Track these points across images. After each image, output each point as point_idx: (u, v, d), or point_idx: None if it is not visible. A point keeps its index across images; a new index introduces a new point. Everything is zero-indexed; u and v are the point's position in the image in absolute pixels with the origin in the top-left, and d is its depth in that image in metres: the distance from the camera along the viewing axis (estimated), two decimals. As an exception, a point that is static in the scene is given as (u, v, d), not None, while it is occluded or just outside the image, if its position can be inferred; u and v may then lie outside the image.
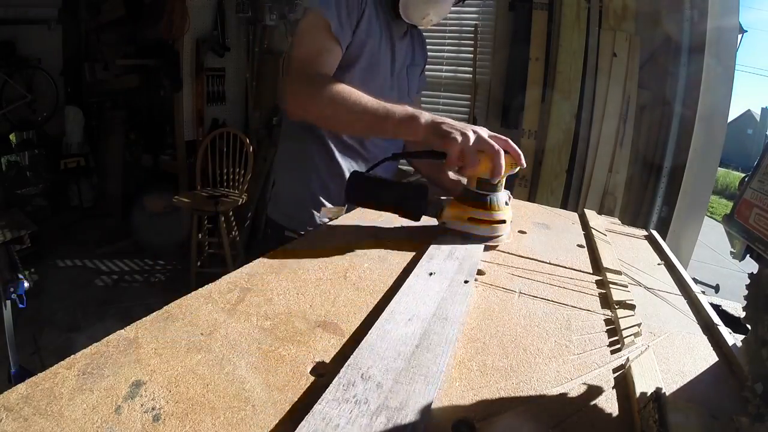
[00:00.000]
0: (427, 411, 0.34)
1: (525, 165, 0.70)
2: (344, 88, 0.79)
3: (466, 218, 0.69)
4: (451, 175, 1.05)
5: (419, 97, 1.22)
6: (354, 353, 0.39)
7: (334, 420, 0.31)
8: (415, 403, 0.34)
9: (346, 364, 0.37)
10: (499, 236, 0.70)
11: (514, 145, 0.70)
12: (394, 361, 0.38)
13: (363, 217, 0.80)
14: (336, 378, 0.36)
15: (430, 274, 0.57)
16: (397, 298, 0.50)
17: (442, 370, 0.38)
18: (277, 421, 0.32)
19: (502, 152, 0.67)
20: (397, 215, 0.73)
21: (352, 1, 0.86)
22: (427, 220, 0.73)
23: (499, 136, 0.70)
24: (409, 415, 0.33)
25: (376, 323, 0.44)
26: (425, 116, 0.73)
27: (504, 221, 0.70)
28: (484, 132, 0.69)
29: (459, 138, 0.67)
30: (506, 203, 0.71)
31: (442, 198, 0.74)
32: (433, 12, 0.94)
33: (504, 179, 0.70)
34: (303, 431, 0.30)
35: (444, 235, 0.70)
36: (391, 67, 1.00)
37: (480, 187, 0.69)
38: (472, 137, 0.67)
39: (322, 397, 0.33)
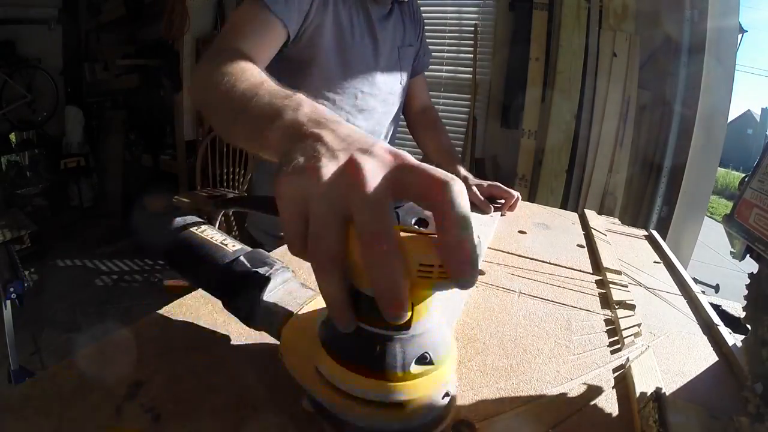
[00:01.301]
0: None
1: (478, 259, 0.27)
2: (238, 65, 0.54)
3: (315, 373, 0.30)
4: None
5: (423, 79, 1.11)
6: None
7: None
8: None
9: None
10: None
11: (511, 203, 0.44)
12: None
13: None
14: None
15: None
16: None
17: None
18: (277, 421, 0.32)
19: (390, 235, 0.24)
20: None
21: None
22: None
23: (494, 184, 0.45)
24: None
25: None
26: (297, 114, 0.34)
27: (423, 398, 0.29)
28: (412, 160, 0.28)
29: (304, 175, 0.27)
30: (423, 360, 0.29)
31: (287, 309, 0.36)
32: None
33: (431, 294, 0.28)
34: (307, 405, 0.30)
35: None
36: (374, 54, 0.90)
37: (360, 315, 0.28)
38: (356, 181, 0.25)
39: None
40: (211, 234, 0.41)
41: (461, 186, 0.24)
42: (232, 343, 0.40)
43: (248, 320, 0.36)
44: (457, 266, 0.23)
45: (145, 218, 3.20)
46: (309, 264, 0.28)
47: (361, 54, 0.87)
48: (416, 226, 0.28)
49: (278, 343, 0.35)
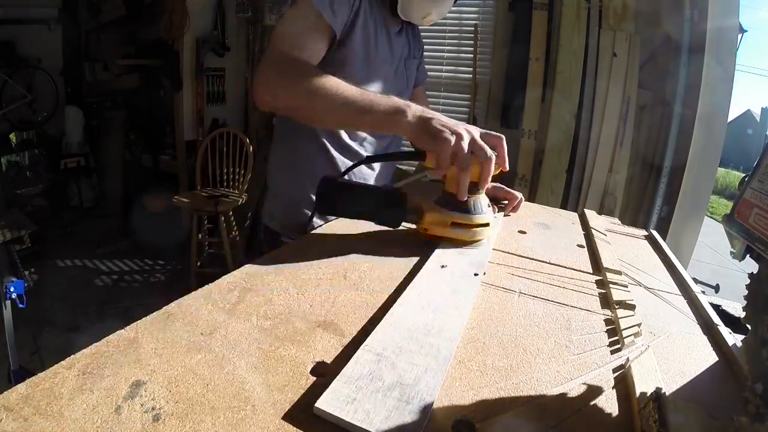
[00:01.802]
0: (437, 388, 0.36)
1: (508, 168, 0.67)
2: (325, 77, 0.72)
3: (449, 223, 0.66)
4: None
5: (423, 89, 1.20)
6: (369, 336, 0.42)
7: (351, 394, 0.34)
8: (427, 381, 0.37)
9: (363, 345, 0.40)
10: (481, 240, 0.68)
11: (505, 147, 0.67)
12: (408, 344, 0.41)
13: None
14: (353, 358, 0.38)
15: (442, 266, 0.60)
16: (411, 287, 0.53)
17: (453, 353, 0.42)
18: (277, 421, 0.32)
19: (494, 157, 0.63)
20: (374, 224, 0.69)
21: None
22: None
23: (491, 134, 0.67)
24: (421, 392, 0.35)
25: (390, 310, 0.47)
26: (413, 110, 0.67)
27: (488, 224, 0.68)
28: (477, 132, 0.64)
29: (452, 139, 0.61)
30: (488, 205, 0.69)
31: (423, 203, 0.69)
32: (435, 11, 0.92)
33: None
34: (321, 404, 0.33)
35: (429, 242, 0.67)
36: (390, 63, 0.99)
37: (459, 195, 0.65)
38: (466, 139, 0.62)
39: (338, 375, 0.36)
40: (355, 181, 0.76)
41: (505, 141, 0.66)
42: (232, 343, 0.40)
43: (397, 222, 0.68)
44: (504, 163, 0.67)
45: (145, 218, 3.20)
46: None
47: (382, 62, 0.95)
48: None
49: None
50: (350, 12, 0.85)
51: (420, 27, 1.08)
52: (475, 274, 0.59)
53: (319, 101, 0.72)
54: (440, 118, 0.65)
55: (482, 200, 0.68)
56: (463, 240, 0.67)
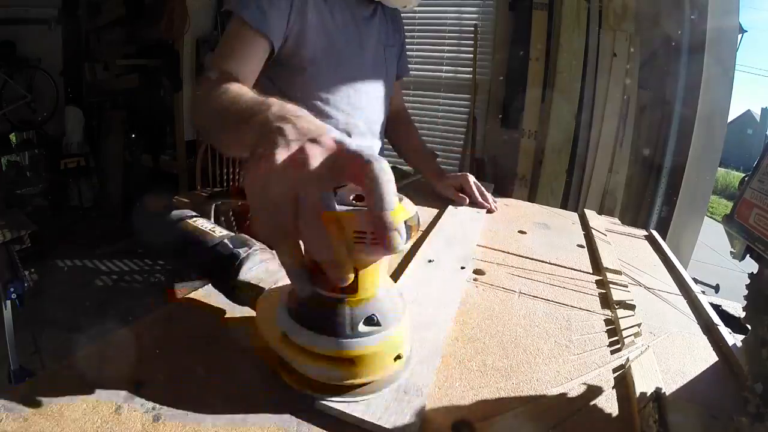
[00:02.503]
0: (431, 378, 0.38)
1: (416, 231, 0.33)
2: (233, 87, 0.57)
3: (279, 335, 0.35)
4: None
5: (399, 84, 1.14)
6: None
7: None
8: (422, 372, 0.38)
9: None
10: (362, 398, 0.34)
11: (383, 194, 0.28)
12: None
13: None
14: None
15: (429, 261, 0.60)
16: (400, 283, 0.53)
17: (441, 345, 0.43)
18: (277, 422, 0.32)
19: (322, 238, 0.29)
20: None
21: None
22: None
23: (369, 162, 0.29)
24: (417, 383, 0.37)
25: None
26: (271, 109, 0.38)
27: (400, 355, 0.36)
28: (350, 146, 0.31)
29: (261, 162, 0.31)
30: (399, 304, 0.36)
31: (261, 286, 0.41)
32: None
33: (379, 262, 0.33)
34: (324, 399, 0.33)
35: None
36: (360, 53, 0.92)
37: (317, 282, 0.32)
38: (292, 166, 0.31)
39: None
40: (202, 223, 0.46)
41: (383, 165, 0.28)
42: (232, 343, 0.40)
43: (228, 296, 0.42)
44: (381, 232, 0.28)
45: (145, 218, 3.19)
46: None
47: (350, 53, 0.89)
48: (354, 202, 0.32)
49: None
50: (288, 10, 0.78)
51: (417, 29, 1.06)
52: (462, 268, 0.60)
53: (204, 119, 0.61)
54: (304, 124, 0.34)
55: (369, 305, 0.34)
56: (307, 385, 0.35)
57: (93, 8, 3.67)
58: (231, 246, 0.42)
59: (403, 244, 0.28)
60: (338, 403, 0.33)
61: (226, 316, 0.45)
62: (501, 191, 1.01)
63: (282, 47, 0.80)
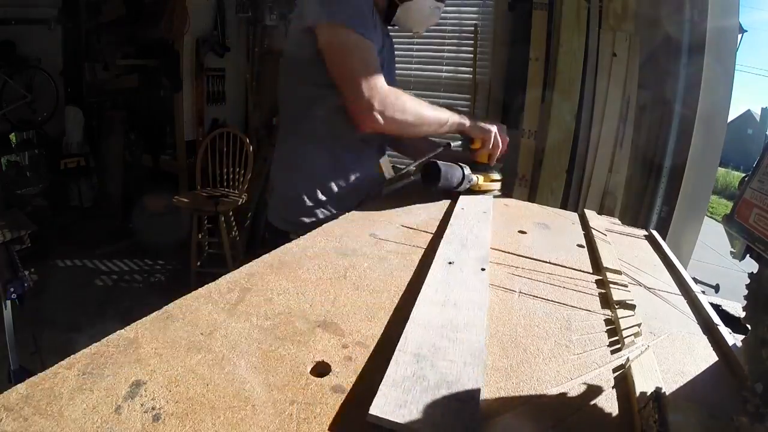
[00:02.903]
0: (480, 380, 0.37)
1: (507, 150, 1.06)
2: (413, 100, 0.95)
3: (490, 180, 1.03)
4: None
5: None
6: (401, 338, 0.42)
7: (401, 397, 0.34)
8: (469, 375, 0.38)
9: (397, 348, 0.40)
10: (498, 188, 1.06)
11: (507, 138, 1.04)
12: (440, 341, 0.42)
13: (362, 217, 0.80)
14: (392, 361, 0.38)
15: (449, 263, 0.60)
16: (427, 285, 0.53)
17: (484, 345, 0.43)
18: (277, 421, 0.32)
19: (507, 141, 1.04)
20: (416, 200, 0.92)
21: (368, 8, 0.89)
22: (417, 224, 0.74)
23: (500, 126, 1.03)
24: (467, 386, 0.36)
25: (413, 310, 0.47)
26: (465, 117, 1.01)
27: (500, 179, 1.07)
28: (494, 127, 1.01)
29: (493, 130, 1.01)
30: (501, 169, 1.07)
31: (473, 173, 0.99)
32: (427, 25, 1.07)
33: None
34: (375, 410, 0.32)
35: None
36: (390, 66, 1.07)
37: (489, 162, 1.04)
38: (496, 131, 1.01)
39: (384, 379, 0.36)
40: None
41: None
42: (232, 343, 0.40)
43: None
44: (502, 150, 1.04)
45: (145, 218, 3.20)
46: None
47: (387, 67, 1.03)
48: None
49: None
50: (372, 22, 0.92)
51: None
52: (482, 269, 0.60)
53: (419, 122, 0.95)
54: (477, 119, 1.02)
55: (496, 166, 1.06)
56: (489, 189, 1.03)
57: (93, 8, 3.67)
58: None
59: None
60: (391, 414, 0.32)
61: (226, 314, 0.45)
62: (501, 191, 1.05)
63: None
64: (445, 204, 0.92)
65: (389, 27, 1.07)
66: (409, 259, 0.63)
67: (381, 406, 0.33)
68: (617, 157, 2.25)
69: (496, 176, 1.05)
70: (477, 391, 0.35)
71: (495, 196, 1.02)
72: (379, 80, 0.89)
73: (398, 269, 0.59)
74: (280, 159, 1.08)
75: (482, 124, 1.01)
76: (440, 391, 0.35)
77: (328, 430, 0.32)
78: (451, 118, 0.98)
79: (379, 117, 0.88)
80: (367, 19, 0.88)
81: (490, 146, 1.00)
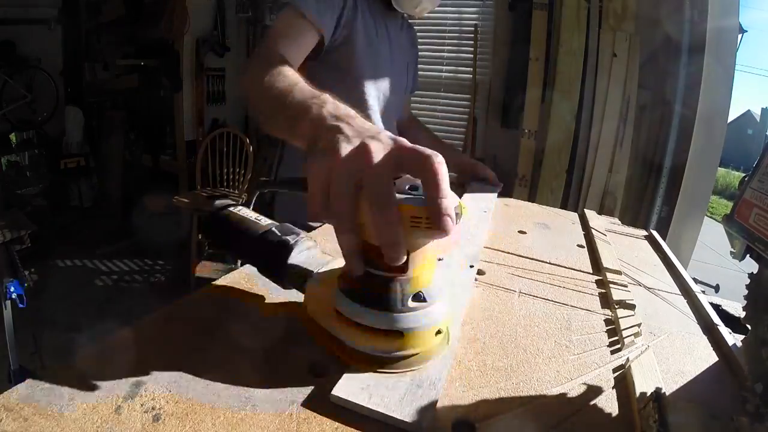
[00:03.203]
0: (445, 371, 0.38)
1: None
2: (287, 72, 0.62)
3: (333, 314, 0.38)
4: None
5: (410, 97, 1.23)
6: None
7: (364, 381, 0.35)
8: (435, 365, 0.38)
9: None
10: (410, 369, 0.37)
11: (439, 177, 0.32)
12: None
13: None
14: None
15: (438, 259, 0.60)
16: None
17: (457, 338, 0.44)
18: (277, 421, 0.32)
19: (394, 208, 0.32)
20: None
21: None
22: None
23: (422, 154, 0.33)
24: (431, 376, 0.37)
25: None
26: (328, 106, 0.44)
27: (438, 331, 0.38)
28: (402, 145, 0.35)
29: (343, 151, 0.35)
30: (439, 289, 0.38)
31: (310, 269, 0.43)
32: (426, 0, 0.92)
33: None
34: (338, 392, 0.33)
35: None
36: (391, 62, 0.98)
37: (370, 263, 0.35)
38: (353, 159, 0.34)
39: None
40: (246, 212, 0.49)
41: (440, 158, 0.32)
42: (232, 343, 0.40)
43: (279, 280, 0.45)
44: (437, 217, 0.31)
45: (145, 218, 3.20)
46: (332, 238, 0.35)
47: (384, 61, 0.96)
48: (408, 191, 0.34)
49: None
50: (340, 9, 0.84)
51: (417, 29, 1.10)
52: (471, 266, 0.60)
53: (255, 94, 0.63)
54: (358, 123, 0.39)
55: (415, 281, 0.36)
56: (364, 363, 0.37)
57: (93, 8, 3.67)
58: (279, 234, 0.45)
59: (453, 227, 0.32)
60: (353, 395, 0.34)
61: (226, 317, 0.45)
62: (501, 191, 1.03)
63: (330, 49, 0.86)
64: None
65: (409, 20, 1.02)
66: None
67: (344, 389, 0.34)
68: (617, 157, 2.25)
69: (400, 321, 0.37)
70: (438, 381, 0.36)
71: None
72: (267, 49, 0.76)
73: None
74: (288, 159, 1.06)
75: (346, 128, 0.38)
76: (403, 378, 0.36)
77: (328, 429, 0.32)
78: (297, 97, 0.50)
79: (242, 78, 0.71)
80: (324, 2, 0.81)
81: (313, 202, 0.35)
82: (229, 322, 0.43)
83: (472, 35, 2.59)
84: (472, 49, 2.60)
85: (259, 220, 0.47)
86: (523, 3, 2.39)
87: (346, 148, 0.35)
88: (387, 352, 0.36)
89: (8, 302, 1.60)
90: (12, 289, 1.58)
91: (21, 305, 1.63)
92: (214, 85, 3.29)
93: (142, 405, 0.32)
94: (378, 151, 0.34)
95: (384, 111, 0.99)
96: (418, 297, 0.36)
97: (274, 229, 0.45)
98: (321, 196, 0.35)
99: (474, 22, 2.61)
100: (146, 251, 3.23)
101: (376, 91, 0.96)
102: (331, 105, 0.44)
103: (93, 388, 0.33)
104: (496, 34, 2.57)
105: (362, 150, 0.34)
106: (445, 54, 2.72)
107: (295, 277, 0.43)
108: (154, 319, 0.43)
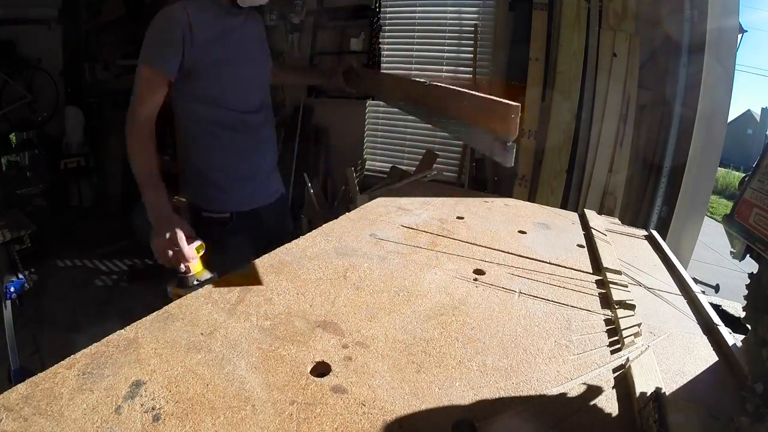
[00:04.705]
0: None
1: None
2: (140, 144, 1.05)
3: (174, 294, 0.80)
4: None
5: (276, 68, 1.34)
6: None
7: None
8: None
9: None
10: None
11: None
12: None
13: (362, 216, 0.80)
14: None
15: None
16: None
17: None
18: (277, 421, 0.32)
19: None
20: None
21: (170, 37, 0.98)
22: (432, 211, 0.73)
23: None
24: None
25: None
26: (149, 196, 0.98)
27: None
28: (180, 233, 0.84)
29: (157, 235, 0.88)
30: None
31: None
32: None
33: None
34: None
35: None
36: (244, 55, 1.10)
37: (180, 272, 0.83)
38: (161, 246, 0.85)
39: None
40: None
41: (179, 247, 0.83)
42: (232, 343, 0.40)
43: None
44: (189, 263, 0.83)
45: (145, 218, 3.19)
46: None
47: (236, 58, 1.08)
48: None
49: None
50: (182, 45, 0.99)
51: (417, 29, 1.15)
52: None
53: (131, 157, 1.04)
54: (159, 216, 0.93)
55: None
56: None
57: (93, 8, 3.67)
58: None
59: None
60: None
61: (227, 314, 0.45)
62: (501, 191, 1.03)
63: (181, 68, 1.02)
64: (446, 202, 0.92)
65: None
66: (409, 259, 0.63)
67: None
68: (617, 157, 2.25)
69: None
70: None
71: None
72: (138, 110, 1.04)
73: (398, 269, 0.59)
74: (181, 150, 1.26)
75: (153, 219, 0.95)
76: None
77: (328, 429, 0.32)
78: (144, 180, 1.02)
79: (126, 134, 1.04)
80: (164, 49, 0.99)
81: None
82: (229, 321, 0.43)
83: (472, 35, 2.59)
84: (472, 49, 2.60)
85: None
86: (523, 3, 2.38)
87: (160, 238, 0.86)
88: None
89: (8, 302, 1.60)
90: (12, 289, 1.58)
91: (21, 305, 1.63)
92: (214, 85, 3.28)
93: (142, 405, 0.32)
94: (179, 236, 0.84)
95: (253, 90, 1.16)
96: (199, 281, 0.78)
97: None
98: (163, 255, 0.84)
99: (474, 22, 2.60)
100: (146, 251, 3.23)
101: (235, 85, 1.10)
102: (151, 194, 0.98)
103: (93, 388, 0.33)
104: (496, 34, 2.57)
105: (170, 238, 0.84)
106: (445, 54, 2.72)
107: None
108: (154, 319, 0.43)
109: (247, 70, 1.13)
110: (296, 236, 0.72)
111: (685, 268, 0.71)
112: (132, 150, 1.04)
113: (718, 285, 0.99)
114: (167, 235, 0.84)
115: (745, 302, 0.41)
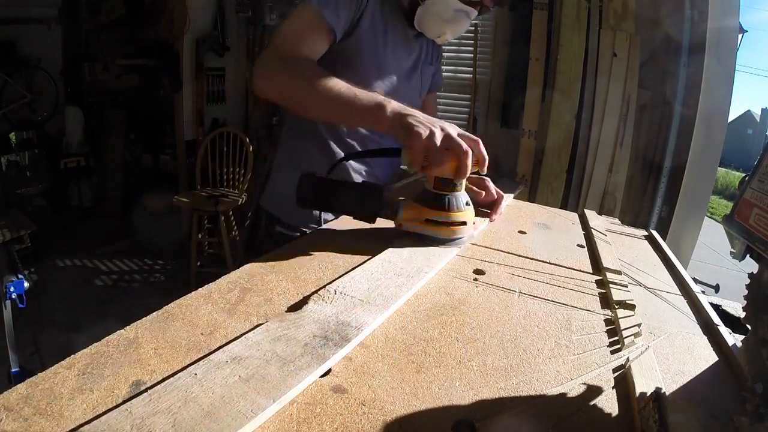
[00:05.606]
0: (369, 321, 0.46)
1: (485, 170, 0.69)
2: (319, 70, 0.76)
3: (423, 220, 0.66)
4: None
5: (435, 95, 1.24)
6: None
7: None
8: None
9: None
10: (458, 239, 0.68)
11: (483, 148, 0.65)
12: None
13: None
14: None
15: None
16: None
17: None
18: (277, 421, 0.32)
19: (471, 152, 0.63)
20: (352, 218, 0.70)
21: None
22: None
23: (469, 136, 0.66)
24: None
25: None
26: (393, 106, 0.69)
27: (464, 223, 0.67)
28: (453, 130, 0.65)
29: (424, 133, 0.62)
30: (467, 204, 0.68)
31: (400, 198, 0.72)
32: (449, 31, 0.93)
33: (465, 180, 0.67)
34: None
35: (401, 238, 0.67)
36: (398, 69, 1.00)
37: (438, 187, 0.66)
38: (438, 134, 0.63)
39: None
40: (334, 177, 0.72)
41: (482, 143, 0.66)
42: (231, 342, 0.40)
43: (373, 216, 0.68)
44: (483, 163, 0.67)
45: (145, 218, 3.20)
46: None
47: (393, 64, 0.98)
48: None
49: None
50: (357, 11, 0.87)
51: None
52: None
53: (310, 92, 0.76)
54: (418, 115, 0.66)
55: (460, 197, 0.67)
56: (438, 237, 0.66)
57: (93, 8, 3.67)
58: (370, 185, 0.72)
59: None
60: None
61: (226, 314, 0.45)
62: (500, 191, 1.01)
63: (339, 41, 0.87)
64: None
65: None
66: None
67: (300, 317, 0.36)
68: (617, 157, 2.25)
69: (452, 216, 0.66)
70: (364, 327, 0.44)
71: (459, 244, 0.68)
72: (289, 37, 0.81)
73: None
74: (282, 152, 1.08)
75: (412, 119, 0.65)
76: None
77: (328, 429, 0.32)
78: (363, 98, 0.71)
79: (262, 70, 0.82)
80: (338, 1, 0.83)
81: (418, 160, 0.63)
82: (229, 321, 0.43)
83: (472, 35, 2.59)
84: (472, 49, 2.60)
85: (362, 178, 0.89)
86: (523, 3, 2.39)
87: (432, 128, 0.63)
88: (445, 236, 0.67)
89: (8, 302, 1.60)
90: (12, 289, 1.58)
91: (21, 305, 1.63)
92: (214, 84, 3.28)
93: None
94: (451, 129, 0.66)
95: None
96: (467, 203, 0.68)
97: (365, 181, 0.81)
98: (422, 158, 0.63)
99: (474, 21, 2.61)
100: (146, 251, 3.23)
101: (377, 89, 0.95)
102: (396, 103, 0.70)
103: (93, 388, 0.33)
104: (496, 34, 2.57)
105: (445, 129, 0.65)
106: (445, 54, 2.72)
107: (387, 209, 0.67)
108: (154, 319, 0.43)
109: (398, 87, 0.98)
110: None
111: (685, 268, 0.71)
112: (304, 84, 0.76)
113: (718, 285, 0.99)
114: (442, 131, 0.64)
115: (745, 302, 0.41)
